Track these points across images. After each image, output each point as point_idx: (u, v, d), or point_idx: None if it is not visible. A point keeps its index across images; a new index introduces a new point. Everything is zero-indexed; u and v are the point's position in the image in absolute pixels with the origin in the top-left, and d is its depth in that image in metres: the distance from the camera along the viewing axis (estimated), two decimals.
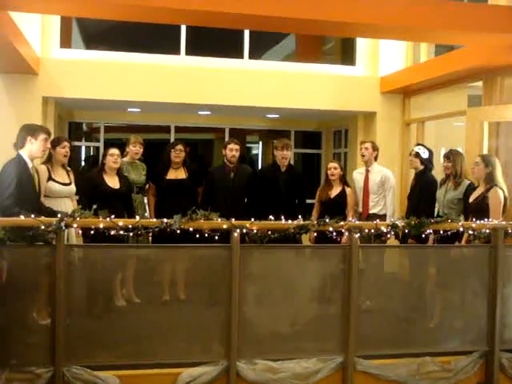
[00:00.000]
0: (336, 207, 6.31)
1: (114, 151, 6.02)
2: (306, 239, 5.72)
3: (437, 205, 6.26)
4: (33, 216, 4.18)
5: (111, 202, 5.54)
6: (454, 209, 5.91)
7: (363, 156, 6.85)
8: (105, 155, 6.07)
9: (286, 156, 6.53)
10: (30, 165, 4.97)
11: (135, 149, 6.56)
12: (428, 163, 6.42)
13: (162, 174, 6.46)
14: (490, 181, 5.63)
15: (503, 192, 5.58)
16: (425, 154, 6.40)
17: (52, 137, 6.28)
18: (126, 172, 6.28)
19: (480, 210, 5.49)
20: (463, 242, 5.39)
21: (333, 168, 6.63)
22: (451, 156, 6.12)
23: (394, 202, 6.77)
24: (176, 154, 6.43)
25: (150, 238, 5.39)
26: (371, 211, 6.72)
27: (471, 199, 5.76)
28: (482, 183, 5.73)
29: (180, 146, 6.49)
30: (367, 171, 6.85)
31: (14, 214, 4.41)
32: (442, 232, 4.98)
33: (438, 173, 6.55)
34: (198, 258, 4.76)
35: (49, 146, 5.23)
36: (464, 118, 7.56)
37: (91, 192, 5.82)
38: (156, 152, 6.62)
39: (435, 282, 5.14)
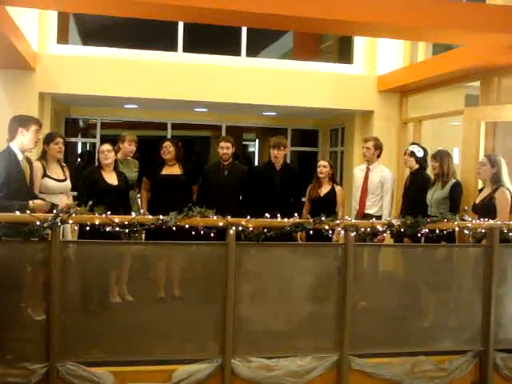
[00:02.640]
0: (326, 205, 6.30)
1: (104, 147, 6.00)
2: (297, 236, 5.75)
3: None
4: (28, 211, 4.18)
5: (109, 198, 5.54)
6: (441, 208, 5.90)
7: (365, 155, 6.81)
8: (98, 152, 6.09)
9: (276, 155, 6.49)
10: (20, 157, 4.90)
11: (130, 147, 6.59)
12: (423, 162, 6.44)
13: (157, 170, 6.49)
14: (497, 181, 5.65)
15: (510, 192, 5.59)
16: (420, 153, 6.41)
17: (47, 132, 6.30)
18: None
19: (487, 210, 5.50)
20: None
21: (322, 166, 6.62)
22: (438, 156, 6.16)
23: (390, 205, 6.69)
24: (163, 151, 6.45)
25: (143, 235, 5.39)
26: (367, 211, 6.68)
27: (478, 200, 5.78)
28: (489, 184, 5.75)
29: (167, 143, 6.51)
30: (368, 169, 6.81)
31: (3, 207, 4.39)
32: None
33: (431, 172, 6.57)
34: (193, 256, 4.75)
35: (40, 137, 5.15)
36: (461, 117, 7.57)
37: (90, 189, 5.80)
38: (152, 149, 6.62)
39: (430, 282, 5.14)
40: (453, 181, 6.03)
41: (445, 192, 5.99)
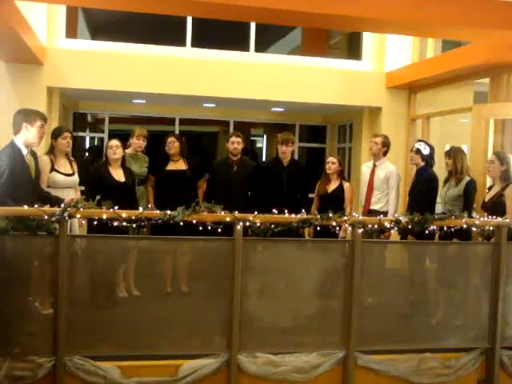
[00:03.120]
0: (334, 202, 6.31)
1: (112, 143, 6.00)
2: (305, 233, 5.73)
3: (438, 200, 6.25)
4: (36, 206, 4.18)
5: (116, 194, 5.52)
6: (455, 206, 5.89)
7: (371, 149, 6.80)
8: (106, 147, 6.09)
9: (284, 151, 6.45)
10: (24, 152, 4.80)
11: (138, 142, 6.59)
12: (429, 159, 6.39)
13: (162, 165, 6.47)
14: (506, 179, 5.62)
15: None
16: (426, 151, 6.36)
17: (55, 127, 6.31)
18: (128, 164, 6.27)
19: (496, 208, 5.47)
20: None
21: (331, 162, 6.62)
22: (451, 153, 6.12)
23: (396, 201, 6.66)
24: (168, 146, 6.45)
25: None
26: (372, 207, 6.66)
27: (487, 198, 5.75)
28: (498, 181, 5.72)
29: (171, 138, 6.50)
30: (374, 166, 6.79)
31: (6, 205, 4.36)
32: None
33: (439, 169, 6.53)
34: (200, 251, 4.76)
35: (45, 132, 5.03)
36: (470, 114, 7.54)
37: (97, 185, 5.77)
38: (160, 144, 6.62)
39: (437, 279, 5.13)
40: (467, 179, 5.98)
41: (459, 189, 5.95)
